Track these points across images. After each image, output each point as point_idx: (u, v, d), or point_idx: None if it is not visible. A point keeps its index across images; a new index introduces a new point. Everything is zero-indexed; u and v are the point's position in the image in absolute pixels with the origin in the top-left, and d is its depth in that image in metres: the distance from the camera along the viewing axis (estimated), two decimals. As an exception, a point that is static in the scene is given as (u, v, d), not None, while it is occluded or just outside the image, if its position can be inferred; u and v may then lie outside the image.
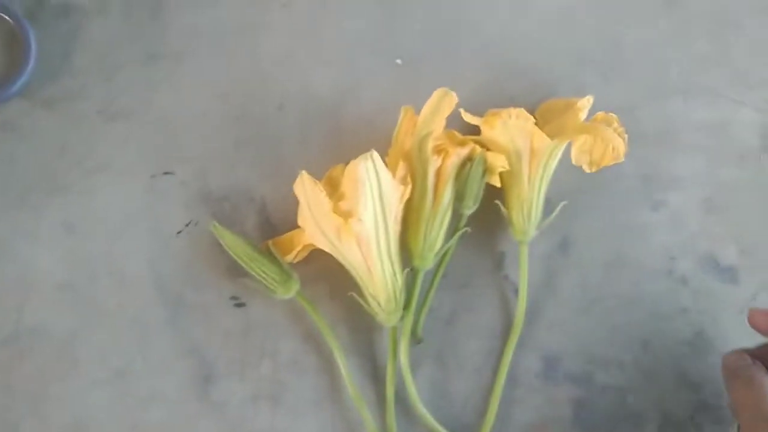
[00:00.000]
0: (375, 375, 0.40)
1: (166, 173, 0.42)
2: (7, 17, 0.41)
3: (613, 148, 0.40)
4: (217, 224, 0.39)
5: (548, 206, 0.42)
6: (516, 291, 0.41)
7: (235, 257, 0.39)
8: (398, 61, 0.45)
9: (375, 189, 0.37)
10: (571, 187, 0.43)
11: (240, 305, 0.40)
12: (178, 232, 0.41)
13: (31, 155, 0.41)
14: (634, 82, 0.46)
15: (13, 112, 0.41)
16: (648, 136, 0.45)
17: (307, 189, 0.37)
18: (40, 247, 0.40)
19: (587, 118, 0.42)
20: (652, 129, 0.46)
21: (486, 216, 0.41)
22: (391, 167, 0.40)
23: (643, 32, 0.47)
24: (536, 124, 0.42)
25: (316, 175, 0.38)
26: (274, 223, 0.42)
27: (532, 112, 0.44)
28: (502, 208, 0.41)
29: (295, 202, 0.39)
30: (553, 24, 0.46)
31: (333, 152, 0.43)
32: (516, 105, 0.42)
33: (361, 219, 0.37)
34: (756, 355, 0.38)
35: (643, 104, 0.46)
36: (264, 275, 0.39)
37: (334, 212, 0.37)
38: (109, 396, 0.39)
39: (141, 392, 0.39)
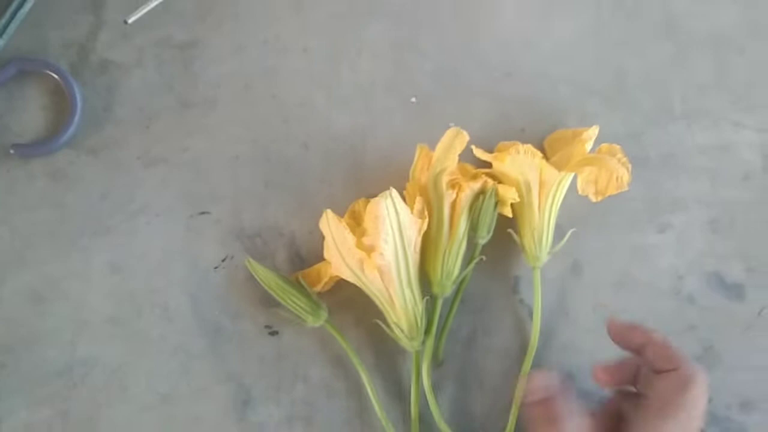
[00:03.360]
0: (400, 396, 0.43)
1: (202, 213, 0.45)
2: (54, 74, 0.45)
3: (617, 178, 0.42)
4: (250, 259, 0.42)
5: (558, 231, 0.44)
6: (530, 313, 0.44)
7: (267, 289, 0.42)
8: (413, 99, 0.48)
9: (395, 224, 0.40)
10: (580, 212, 0.45)
11: (273, 333, 0.43)
12: (215, 267, 0.44)
13: (79, 200, 0.44)
14: (637, 108, 0.48)
15: (61, 162, 0.44)
16: (652, 161, 0.47)
17: (331, 226, 0.40)
18: (89, 285, 0.43)
19: (593, 147, 0.44)
20: (657, 153, 0.48)
21: (500, 244, 0.44)
22: (409, 201, 0.42)
23: (645, 60, 0.49)
24: (545, 154, 0.44)
25: (339, 209, 0.41)
26: (303, 256, 0.45)
27: (540, 142, 0.47)
28: (515, 236, 0.44)
29: (322, 235, 0.41)
30: (558, 57, 0.49)
31: (354, 187, 0.45)
32: (525, 136, 0.44)
33: (382, 253, 0.39)
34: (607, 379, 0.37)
35: (647, 129, 0.48)
36: (295, 305, 0.42)
37: (358, 247, 0.39)
38: (156, 420, 0.41)
39: (185, 416, 0.41)
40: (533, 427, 0.35)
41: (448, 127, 0.43)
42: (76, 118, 0.44)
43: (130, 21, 0.45)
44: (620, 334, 0.39)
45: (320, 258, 0.43)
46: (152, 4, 0.45)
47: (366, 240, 0.40)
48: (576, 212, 0.45)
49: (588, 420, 0.36)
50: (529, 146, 0.42)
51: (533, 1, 0.49)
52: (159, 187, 0.45)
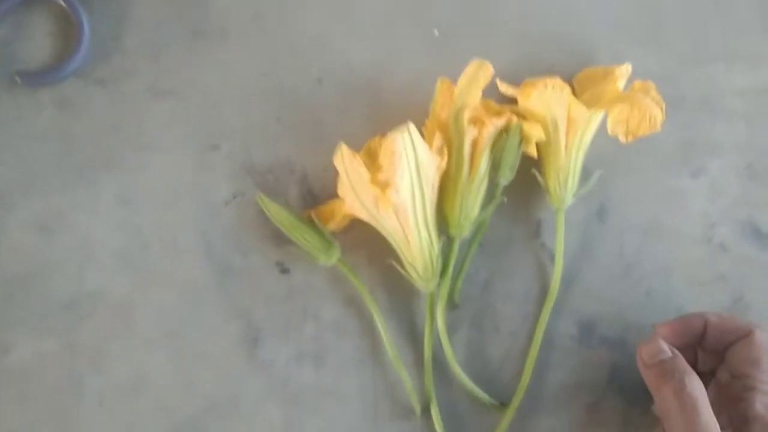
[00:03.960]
0: (413, 338, 0.42)
1: (212, 147, 0.43)
2: (61, 1, 0.43)
3: (650, 118, 0.40)
4: (262, 195, 0.40)
5: (585, 173, 0.42)
6: (552, 258, 0.42)
7: (279, 226, 0.41)
8: (435, 31, 0.45)
9: (411, 160, 0.38)
10: (608, 153, 0.43)
11: (284, 271, 0.42)
12: (226, 203, 0.43)
13: (86, 132, 0.43)
14: (673, 48, 0.46)
15: (68, 91, 0.43)
16: (688, 103, 0.45)
17: (346, 161, 0.39)
18: (96, 218, 0.42)
19: (625, 87, 0.42)
20: (692, 95, 0.45)
21: (522, 184, 0.42)
22: (428, 138, 0.40)
23: (681, -1, 0.46)
24: (573, 92, 0.42)
25: (355, 147, 0.39)
26: (316, 193, 0.43)
27: (569, 80, 0.44)
28: (539, 176, 0.42)
29: (335, 173, 0.40)
30: (590, -9, 0.46)
31: (371, 124, 0.44)
32: (553, 74, 0.42)
33: (398, 190, 0.38)
34: (670, 338, 0.37)
35: (683, 71, 0.46)
36: (307, 243, 0.41)
37: (372, 183, 0.38)
38: (164, 355, 0.41)
39: (193, 352, 0.41)
40: (659, 385, 0.36)
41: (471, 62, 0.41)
42: (84, 46, 0.43)
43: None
44: (674, 334, 0.38)
45: (334, 196, 0.41)
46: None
47: (381, 176, 0.38)
48: (604, 153, 0.43)
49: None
50: (558, 79, 0.40)
51: (566, -71, 0.46)
52: (168, 120, 0.43)
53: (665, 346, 0.37)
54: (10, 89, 0.43)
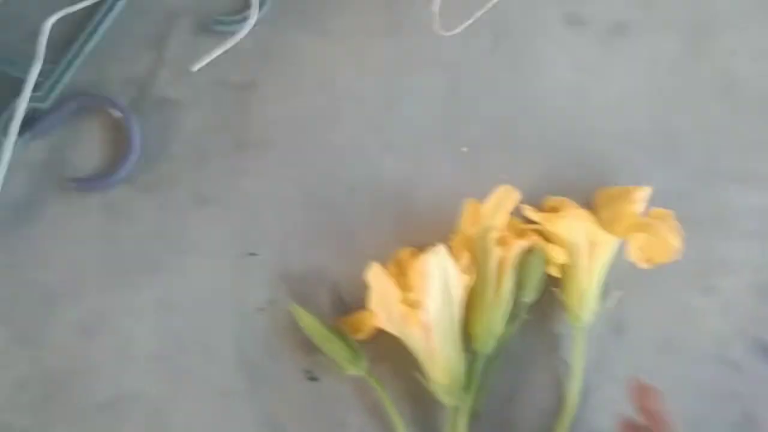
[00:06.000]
0: (436, 450, 0.43)
1: (250, 254, 0.45)
2: (115, 110, 0.46)
3: (668, 247, 0.42)
4: (294, 305, 0.42)
5: (603, 289, 0.43)
6: (570, 372, 0.43)
7: (309, 336, 0.43)
8: (464, 149, 0.48)
9: (441, 282, 0.40)
10: (625, 272, 0.45)
11: (313, 379, 0.44)
12: (260, 309, 0.45)
13: (131, 236, 0.45)
14: (688, 167, 0.48)
15: (117, 197, 0.45)
16: (701, 221, 0.47)
17: (377, 279, 0.40)
18: (136, 321, 0.44)
19: (644, 210, 0.44)
20: (706, 214, 0.47)
21: (543, 300, 0.43)
22: (455, 254, 0.42)
23: (698, 118, 0.48)
24: (593, 210, 0.44)
25: (384, 256, 0.41)
26: (346, 301, 0.45)
27: (588, 197, 0.46)
28: (560, 295, 0.44)
29: (365, 281, 0.41)
30: (609, 111, 0.48)
31: (401, 234, 0.46)
32: (574, 190, 0.44)
33: (427, 309, 0.40)
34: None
35: (697, 189, 0.47)
36: (335, 353, 0.42)
37: (402, 302, 0.40)
38: (197, 459, 0.42)
39: (226, 458, 0.42)
40: None
41: (497, 178, 0.43)
42: (134, 155, 0.45)
43: (195, 69, 0.46)
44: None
45: (363, 303, 0.42)
46: (218, 52, 0.46)
47: (411, 296, 0.40)
48: (622, 272, 0.45)
49: None
50: (581, 210, 0.42)
51: (588, 54, 0.49)
52: (209, 226, 0.45)
53: None
54: (62, 194, 0.45)
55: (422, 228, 0.46)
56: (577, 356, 0.43)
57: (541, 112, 0.48)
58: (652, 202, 0.44)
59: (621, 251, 0.44)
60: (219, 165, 0.46)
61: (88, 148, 0.46)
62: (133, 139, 0.45)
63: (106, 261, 0.45)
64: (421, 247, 0.41)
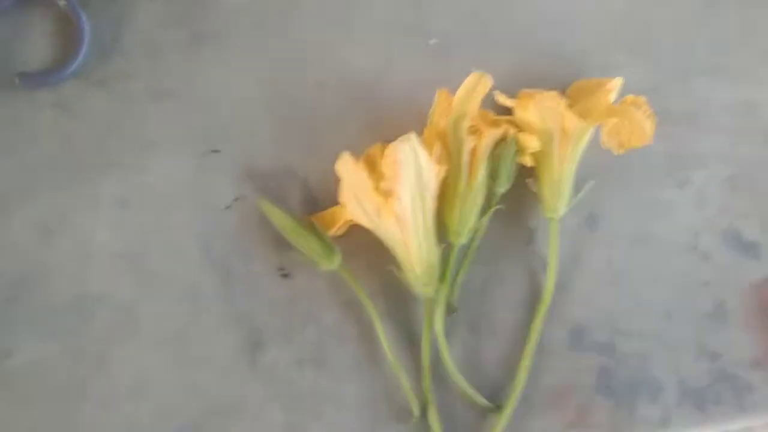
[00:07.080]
0: (411, 342, 0.42)
1: (213, 151, 0.43)
2: (59, 2, 0.43)
3: (642, 131, 0.41)
4: (264, 200, 0.41)
5: (576, 183, 0.43)
6: (545, 265, 0.43)
7: (280, 231, 0.41)
8: (433, 41, 0.46)
9: (414, 170, 0.39)
10: (599, 164, 0.44)
11: (285, 276, 0.43)
12: (227, 207, 0.43)
13: (86, 133, 0.43)
14: (661, 61, 0.47)
15: (67, 93, 0.43)
16: (674, 115, 0.46)
17: (348, 170, 0.39)
18: (97, 219, 0.42)
19: (616, 99, 0.44)
20: (679, 108, 0.47)
21: (517, 193, 0.43)
22: (427, 146, 0.41)
23: (672, 12, 0.48)
24: (567, 103, 0.43)
25: (355, 152, 0.40)
26: (317, 198, 0.44)
27: (562, 90, 0.46)
28: (533, 186, 0.43)
29: (336, 178, 0.40)
30: (583, 4, 0.47)
31: (371, 129, 0.44)
32: (547, 84, 0.43)
33: (400, 198, 0.39)
34: None
35: (670, 84, 0.47)
36: (308, 248, 0.41)
37: (375, 192, 0.39)
38: (167, 358, 0.41)
39: (196, 356, 0.41)
40: None
41: (468, 72, 0.42)
42: (84, 48, 0.42)
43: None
44: None
45: (334, 201, 0.42)
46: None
47: (384, 185, 0.39)
48: (595, 164, 0.44)
49: None
50: (554, 93, 0.41)
51: (562, -57, 0.48)
52: (168, 122, 0.43)
53: None
54: (9, 91, 0.42)
55: (393, 123, 0.44)
56: (553, 248, 0.43)
57: (512, 5, 0.47)
58: (626, 95, 0.43)
59: (595, 144, 0.44)
60: (176, 58, 0.44)
61: (33, 42, 0.43)
62: (82, 31, 0.42)
63: (60, 159, 0.42)
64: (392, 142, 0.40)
